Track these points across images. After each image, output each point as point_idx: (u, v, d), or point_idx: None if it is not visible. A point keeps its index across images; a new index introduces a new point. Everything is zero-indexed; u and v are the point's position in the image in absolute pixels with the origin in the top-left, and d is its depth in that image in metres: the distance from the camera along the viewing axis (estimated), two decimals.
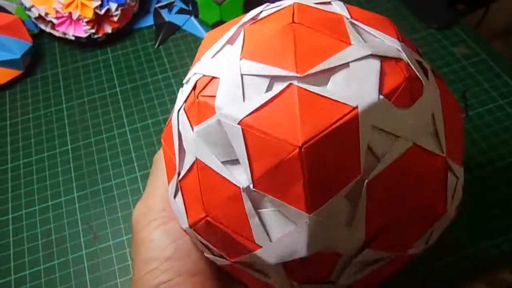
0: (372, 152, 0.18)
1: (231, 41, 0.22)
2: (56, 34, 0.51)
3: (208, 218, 0.20)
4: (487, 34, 0.52)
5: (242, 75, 0.19)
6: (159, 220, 0.24)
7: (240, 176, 0.19)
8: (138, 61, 0.51)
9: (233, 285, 0.25)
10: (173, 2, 0.56)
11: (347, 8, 0.22)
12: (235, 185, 0.19)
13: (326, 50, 0.19)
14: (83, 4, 0.48)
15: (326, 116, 0.17)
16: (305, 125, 0.17)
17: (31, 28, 0.53)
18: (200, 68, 0.21)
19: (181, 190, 0.22)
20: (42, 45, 0.53)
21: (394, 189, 0.19)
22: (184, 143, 0.21)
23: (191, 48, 0.51)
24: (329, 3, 0.22)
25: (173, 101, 0.47)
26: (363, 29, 0.21)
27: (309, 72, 0.18)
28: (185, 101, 0.22)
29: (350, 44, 0.19)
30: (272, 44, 0.19)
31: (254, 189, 0.18)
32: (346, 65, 0.18)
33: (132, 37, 0.53)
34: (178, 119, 0.22)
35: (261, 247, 0.19)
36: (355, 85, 0.18)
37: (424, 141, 0.19)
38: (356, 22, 0.21)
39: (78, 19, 0.49)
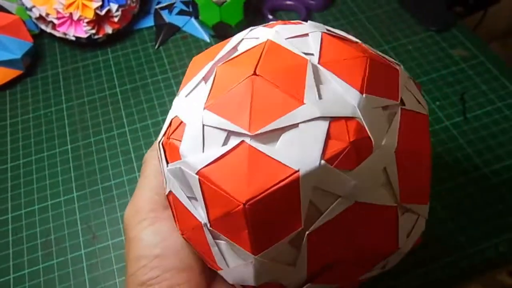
0: (315, 206, 0.19)
1: (205, 78, 0.23)
2: (57, 34, 0.51)
3: (184, 237, 0.24)
4: (485, 37, 0.53)
5: (203, 125, 0.21)
6: (148, 221, 0.26)
7: (201, 213, 0.21)
8: (138, 61, 0.51)
9: (218, 280, 0.26)
10: (174, 3, 0.56)
11: (320, 45, 0.22)
12: (198, 219, 0.22)
13: (279, 108, 0.20)
14: (84, 5, 0.48)
15: (271, 176, 0.19)
16: (251, 183, 0.19)
17: (31, 28, 0.53)
18: (175, 107, 0.24)
19: (169, 204, 0.25)
20: (43, 45, 0.54)
21: (337, 238, 0.20)
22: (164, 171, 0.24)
23: (191, 49, 0.52)
24: (306, 35, 0.23)
25: (172, 102, 0.47)
26: (326, 77, 0.21)
27: (259, 131, 0.19)
28: (163, 135, 0.24)
29: (302, 103, 0.20)
30: (233, 97, 0.21)
31: (210, 228, 0.21)
32: (295, 125, 0.19)
33: (132, 38, 0.54)
34: (159, 149, 0.25)
35: (222, 269, 0.22)
36: (300, 147, 0.19)
37: (369, 196, 0.20)
38: (321, 68, 0.21)
39: (79, 20, 0.49)
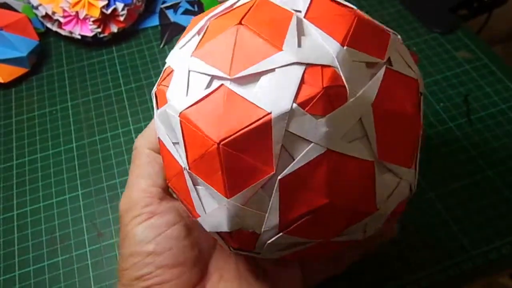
0: (287, 152, 0.20)
1: (199, 32, 0.24)
2: (63, 33, 0.51)
3: (169, 184, 0.25)
4: (489, 39, 0.53)
5: (189, 71, 0.22)
6: (143, 216, 0.26)
7: (182, 157, 0.22)
8: (143, 60, 0.51)
9: (209, 273, 0.27)
10: (179, 3, 0.56)
11: (310, 3, 0.22)
12: (180, 164, 0.22)
13: (259, 54, 0.20)
14: (90, 4, 0.49)
15: (244, 117, 0.19)
16: (225, 124, 0.20)
17: (37, 27, 0.53)
18: (169, 57, 0.25)
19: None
20: (48, 43, 0.54)
21: (310, 187, 0.20)
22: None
23: None
24: None
25: None
26: (309, 30, 0.21)
27: (238, 75, 0.20)
28: (157, 85, 0.25)
29: (280, 50, 0.20)
30: (218, 45, 0.22)
31: (189, 170, 0.22)
32: (272, 70, 0.20)
33: (138, 37, 0.54)
34: (153, 98, 0.26)
35: (199, 216, 0.23)
36: (274, 91, 0.20)
37: (343, 147, 0.20)
38: (305, 22, 0.21)
39: (85, 18, 0.49)
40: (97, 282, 0.36)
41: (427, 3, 0.52)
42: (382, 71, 0.21)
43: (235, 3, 0.24)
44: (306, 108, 0.19)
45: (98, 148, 0.44)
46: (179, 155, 0.23)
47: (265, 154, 0.20)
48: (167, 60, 0.25)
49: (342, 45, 0.21)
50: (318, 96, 0.19)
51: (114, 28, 0.51)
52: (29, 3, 0.50)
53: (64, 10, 0.49)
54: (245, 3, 0.23)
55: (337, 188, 0.20)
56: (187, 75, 0.22)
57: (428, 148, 0.41)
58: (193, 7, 0.55)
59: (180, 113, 0.21)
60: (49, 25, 0.52)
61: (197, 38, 0.23)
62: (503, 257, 0.35)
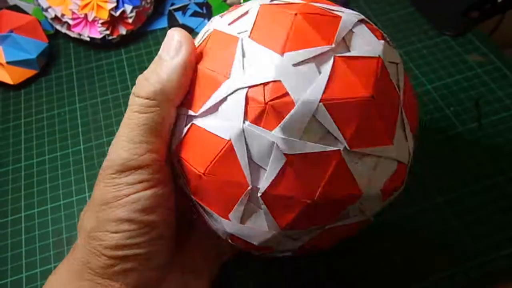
0: (258, 165, 0.22)
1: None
2: (72, 35, 0.51)
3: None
4: (501, 42, 0.52)
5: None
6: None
7: (184, 184, 0.27)
8: (151, 62, 0.51)
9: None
10: (187, 5, 0.56)
11: (254, 20, 0.24)
12: (186, 192, 0.27)
13: (212, 87, 0.23)
14: (98, 6, 0.49)
15: (212, 149, 0.23)
16: (202, 158, 0.24)
17: (47, 29, 0.54)
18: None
19: None
20: (57, 45, 0.54)
21: (289, 192, 0.22)
22: None
23: None
24: (246, 13, 0.25)
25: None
26: (252, 50, 0.23)
27: (200, 111, 0.23)
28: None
29: (227, 78, 0.23)
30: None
31: (191, 196, 0.26)
32: (225, 98, 0.23)
33: (146, 39, 0.54)
34: None
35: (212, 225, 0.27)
36: (230, 117, 0.22)
37: (303, 148, 0.22)
38: (248, 42, 0.23)
39: (94, 21, 0.50)
40: None
41: (438, 5, 0.51)
42: (329, 64, 0.22)
43: (202, 38, 0.27)
44: (260, 125, 0.22)
45: (106, 151, 0.44)
46: (184, 184, 0.26)
47: (239, 173, 0.22)
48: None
49: (282, 52, 0.22)
50: (265, 112, 0.21)
51: (122, 30, 0.51)
52: (39, 5, 0.51)
53: (73, 12, 0.49)
54: (205, 38, 0.26)
55: (312, 186, 0.22)
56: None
57: (437, 153, 0.41)
58: (202, 9, 0.55)
59: (173, 149, 0.25)
60: (58, 27, 0.52)
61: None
62: None
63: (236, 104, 0.22)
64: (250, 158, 0.22)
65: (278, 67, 0.22)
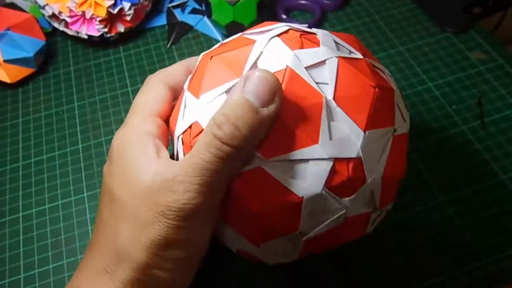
0: (315, 218, 0.25)
1: (228, 92, 0.25)
2: (69, 32, 0.51)
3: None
4: (504, 39, 0.51)
5: None
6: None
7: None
8: (150, 60, 0.51)
9: None
10: (186, 2, 0.56)
11: (336, 76, 0.25)
12: None
13: (295, 144, 0.24)
14: (96, 3, 0.48)
15: (280, 200, 0.24)
16: (266, 200, 0.24)
17: (44, 26, 0.53)
18: (196, 110, 0.26)
19: None
20: (55, 43, 0.54)
21: (325, 241, 0.26)
22: None
23: (203, 48, 0.51)
24: (323, 62, 0.25)
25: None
26: (337, 115, 0.24)
27: (273, 159, 0.23)
28: (182, 133, 0.27)
29: (316, 143, 0.23)
30: None
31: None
32: (306, 160, 0.23)
33: (145, 37, 0.53)
34: (177, 143, 0.29)
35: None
36: (308, 179, 0.24)
37: (356, 211, 0.25)
38: (333, 106, 0.24)
39: (91, 18, 0.49)
40: None
41: (440, 1, 0.50)
42: (390, 142, 0.25)
43: (258, 58, 0.26)
44: (335, 192, 0.24)
45: (104, 150, 0.44)
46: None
47: (294, 222, 0.25)
48: (194, 113, 0.26)
49: (365, 130, 0.24)
50: (344, 183, 0.24)
51: (121, 28, 0.51)
52: (36, 3, 0.50)
53: (71, 10, 0.49)
54: (275, 72, 0.24)
55: (341, 236, 0.27)
56: None
57: (440, 152, 0.40)
58: (201, 6, 0.55)
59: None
60: (56, 24, 0.51)
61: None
62: None
63: (319, 169, 0.23)
64: (312, 213, 0.24)
65: (362, 147, 0.24)
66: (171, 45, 0.52)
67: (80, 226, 0.39)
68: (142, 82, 0.48)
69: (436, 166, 0.39)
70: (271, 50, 0.25)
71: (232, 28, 0.50)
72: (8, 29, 0.47)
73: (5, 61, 0.47)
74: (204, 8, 0.54)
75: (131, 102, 0.46)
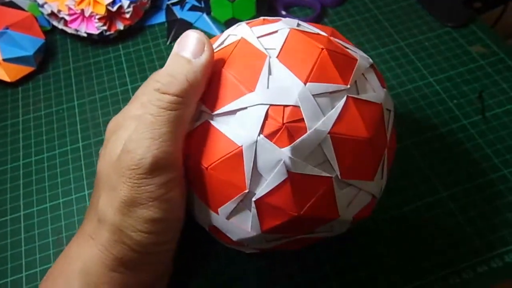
0: (261, 174, 0.25)
1: None
2: (68, 30, 0.51)
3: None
4: (505, 33, 0.51)
5: None
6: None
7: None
8: (149, 58, 0.51)
9: None
10: None
11: (284, 40, 0.27)
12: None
13: (234, 94, 0.25)
14: (95, 1, 0.48)
15: (223, 149, 0.25)
16: (209, 153, 0.25)
17: (43, 25, 0.53)
18: None
19: None
20: (54, 41, 0.53)
21: (280, 203, 0.25)
22: None
23: None
24: (276, 31, 0.28)
25: None
26: (278, 70, 0.25)
27: (217, 112, 0.25)
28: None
29: (252, 91, 0.25)
30: (208, 84, 0.27)
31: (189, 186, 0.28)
32: (245, 108, 0.25)
33: (144, 34, 0.53)
34: None
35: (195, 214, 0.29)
36: (245, 126, 0.24)
37: (304, 169, 0.24)
38: (276, 61, 0.26)
39: (90, 16, 0.49)
40: None
41: None
42: (342, 102, 0.25)
43: (224, 40, 0.29)
44: (272, 140, 0.24)
45: None
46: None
47: (240, 177, 0.25)
48: None
49: (306, 82, 0.25)
50: (280, 131, 0.24)
51: (120, 26, 0.51)
52: (35, 1, 0.50)
53: (70, 8, 0.49)
54: (229, 44, 0.28)
55: (302, 202, 0.25)
56: None
57: (441, 147, 0.40)
58: (200, 3, 0.55)
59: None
60: (55, 23, 0.51)
61: None
62: None
63: (255, 116, 0.24)
64: (254, 166, 0.24)
65: (300, 94, 0.24)
66: (170, 42, 0.52)
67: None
68: (141, 79, 0.49)
69: (438, 160, 0.39)
70: (235, 31, 0.29)
71: (231, 25, 0.50)
72: (7, 27, 0.47)
73: (4, 60, 0.47)
74: (203, 5, 0.54)
75: None
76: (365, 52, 0.48)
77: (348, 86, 0.26)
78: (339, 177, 0.25)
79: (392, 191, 0.38)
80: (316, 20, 0.51)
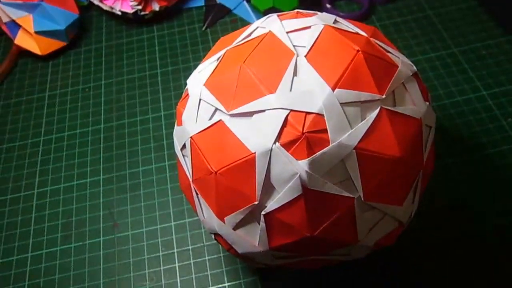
0: (273, 186, 0.22)
1: (219, 59, 0.26)
2: (104, 7, 0.49)
3: (181, 189, 0.28)
4: None
5: (200, 99, 0.25)
6: None
7: (189, 172, 0.26)
8: (182, 42, 0.49)
9: None
10: None
11: (316, 39, 0.24)
12: (188, 177, 0.26)
13: (254, 94, 0.23)
14: None
15: (235, 154, 0.22)
16: (221, 157, 0.23)
17: (80, 0, 0.52)
18: (189, 79, 0.27)
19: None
20: (90, 17, 0.52)
21: (292, 220, 0.22)
22: None
23: None
24: (308, 27, 0.25)
25: None
26: (305, 71, 0.23)
27: (234, 111, 0.23)
28: (178, 105, 0.28)
29: (273, 92, 0.22)
30: (225, 80, 0.24)
31: (193, 184, 0.26)
32: (263, 111, 0.22)
33: (180, 17, 0.51)
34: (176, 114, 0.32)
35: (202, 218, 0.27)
36: (261, 131, 0.22)
37: (322, 186, 0.21)
38: (304, 61, 0.23)
39: None
40: (106, 275, 0.34)
41: None
42: (374, 114, 0.22)
43: (252, 32, 0.26)
44: (289, 151, 0.21)
45: (126, 132, 0.42)
46: (187, 170, 0.26)
47: (251, 187, 0.22)
48: (188, 81, 0.27)
49: (334, 88, 0.22)
50: (299, 141, 0.21)
51: (156, 6, 0.49)
52: None
53: None
54: (255, 38, 0.25)
55: (317, 222, 0.22)
56: (198, 103, 0.25)
57: (487, 171, 0.36)
58: None
59: (191, 136, 0.24)
60: None
61: (213, 66, 0.26)
62: None
63: (273, 121, 0.22)
64: (267, 176, 0.22)
65: (325, 101, 0.21)
66: (206, 28, 0.50)
67: (92, 210, 0.37)
68: (172, 64, 0.47)
69: (483, 188, 0.35)
70: (264, 24, 0.26)
71: None
72: (42, 0, 0.46)
73: (36, 32, 0.46)
74: None
75: (159, 85, 0.45)
76: (412, 56, 0.44)
77: (384, 96, 0.23)
78: (362, 198, 0.22)
79: (424, 214, 0.34)
80: (362, 17, 0.47)
